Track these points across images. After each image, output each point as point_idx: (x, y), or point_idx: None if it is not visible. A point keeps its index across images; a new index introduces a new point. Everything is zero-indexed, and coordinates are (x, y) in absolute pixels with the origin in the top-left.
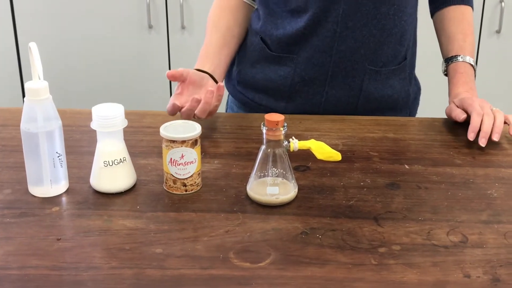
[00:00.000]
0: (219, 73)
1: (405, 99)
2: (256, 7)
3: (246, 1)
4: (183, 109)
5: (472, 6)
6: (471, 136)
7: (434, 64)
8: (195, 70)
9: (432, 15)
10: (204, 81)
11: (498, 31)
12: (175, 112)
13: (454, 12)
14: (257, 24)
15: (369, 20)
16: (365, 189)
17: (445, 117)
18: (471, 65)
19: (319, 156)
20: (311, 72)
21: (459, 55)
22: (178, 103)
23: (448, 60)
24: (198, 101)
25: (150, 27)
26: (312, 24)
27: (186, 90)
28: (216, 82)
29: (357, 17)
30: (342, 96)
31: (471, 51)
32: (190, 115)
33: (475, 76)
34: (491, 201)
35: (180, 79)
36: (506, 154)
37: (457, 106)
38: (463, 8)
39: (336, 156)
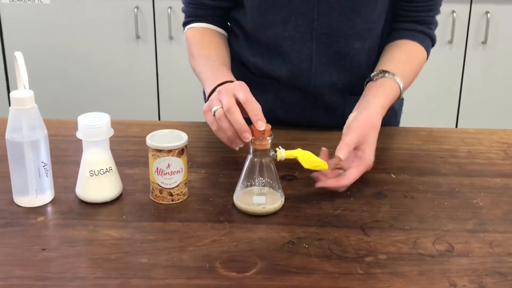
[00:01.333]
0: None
1: (392, 116)
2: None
3: (220, 31)
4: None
5: (427, 53)
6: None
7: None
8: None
9: (386, 43)
10: None
11: (484, 42)
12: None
13: (405, 45)
14: (235, 47)
15: (342, 56)
16: (351, 198)
17: (431, 126)
18: (398, 86)
19: (305, 165)
20: (292, 97)
21: (389, 72)
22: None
23: (376, 73)
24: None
25: (138, 37)
26: (287, 63)
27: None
28: None
29: (330, 54)
30: (324, 122)
31: (405, 77)
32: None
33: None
34: (477, 210)
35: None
36: (491, 164)
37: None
38: (417, 46)
39: (323, 165)
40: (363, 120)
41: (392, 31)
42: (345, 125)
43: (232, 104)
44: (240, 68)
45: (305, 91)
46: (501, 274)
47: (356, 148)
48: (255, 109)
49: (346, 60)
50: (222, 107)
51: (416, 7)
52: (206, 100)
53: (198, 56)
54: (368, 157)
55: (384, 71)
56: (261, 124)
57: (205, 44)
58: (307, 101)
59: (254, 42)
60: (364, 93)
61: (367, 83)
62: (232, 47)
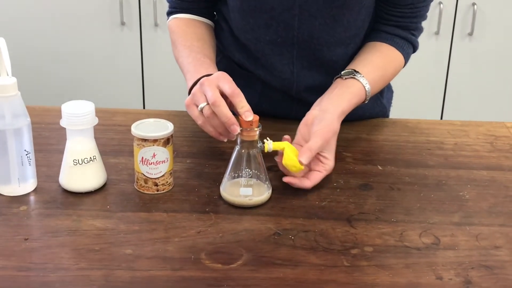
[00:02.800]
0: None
1: (382, 111)
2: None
3: (205, 21)
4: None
5: (405, 60)
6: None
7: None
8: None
9: (365, 42)
10: None
11: (471, 34)
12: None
13: (382, 47)
14: (220, 40)
15: (324, 61)
16: (338, 190)
17: (416, 117)
18: (364, 88)
19: (284, 161)
20: (278, 95)
21: (357, 73)
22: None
23: (345, 72)
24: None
25: (123, 24)
26: (268, 66)
27: None
28: None
29: (312, 60)
30: None
31: (374, 81)
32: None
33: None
34: (463, 202)
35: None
36: (478, 156)
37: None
38: (395, 51)
39: (298, 168)
40: (326, 126)
41: (373, 31)
42: (303, 121)
43: (217, 96)
44: (227, 60)
45: (289, 93)
46: (487, 268)
47: (318, 153)
48: (241, 100)
49: (328, 65)
50: (208, 103)
51: (400, 12)
52: (189, 93)
53: (181, 47)
54: (331, 163)
55: (356, 72)
56: (249, 114)
57: (188, 35)
58: (292, 100)
59: (239, 40)
60: (329, 89)
61: (336, 78)
62: (219, 39)
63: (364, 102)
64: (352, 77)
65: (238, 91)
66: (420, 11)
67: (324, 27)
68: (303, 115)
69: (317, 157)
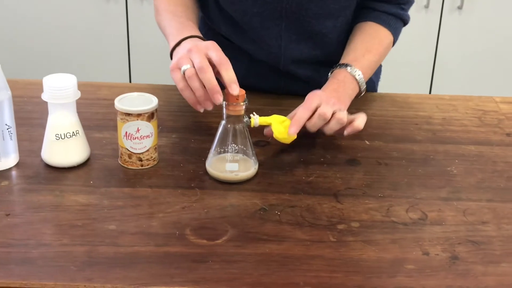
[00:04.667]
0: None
1: (369, 87)
2: None
3: None
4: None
5: (394, 36)
6: (291, 130)
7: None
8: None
9: (354, 23)
10: None
11: (460, 7)
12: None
13: (371, 29)
14: (205, 11)
15: (313, 34)
16: (325, 165)
17: (404, 91)
18: (356, 81)
19: (276, 134)
20: (265, 68)
21: (349, 65)
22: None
23: (337, 65)
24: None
25: None
26: (255, 39)
27: None
28: None
29: (300, 32)
30: (300, 91)
31: (365, 67)
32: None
33: (357, 95)
34: (450, 178)
35: None
36: (466, 131)
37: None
38: (383, 30)
39: (291, 138)
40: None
41: (361, 10)
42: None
43: (205, 63)
44: (213, 33)
45: (276, 66)
46: (474, 243)
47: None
48: (228, 70)
49: (317, 38)
50: (194, 67)
51: None
52: (170, 54)
53: (163, 12)
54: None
55: (346, 65)
56: (235, 87)
57: (171, 2)
58: (281, 74)
59: (226, 13)
60: (328, 84)
61: (331, 72)
62: (205, 12)
63: (359, 92)
64: (339, 68)
65: (226, 60)
66: None
67: None
68: (291, 89)
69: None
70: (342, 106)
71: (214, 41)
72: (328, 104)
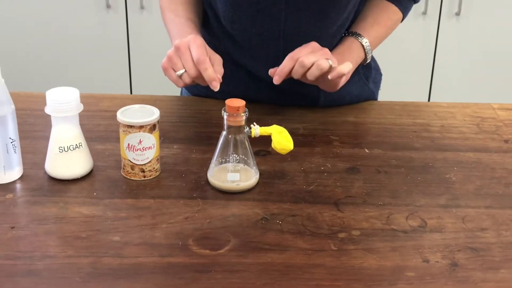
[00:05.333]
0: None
1: (370, 96)
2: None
3: None
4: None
5: (404, 13)
6: (275, 79)
7: (394, 47)
8: (200, 37)
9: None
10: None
11: (458, 13)
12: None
13: (381, 3)
14: (207, 26)
15: (313, 35)
16: (325, 174)
17: (403, 98)
18: (363, 48)
19: (274, 144)
20: (265, 83)
21: (356, 33)
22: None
23: (345, 33)
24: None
25: (108, 6)
26: (255, 57)
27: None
28: None
29: (300, 35)
30: (299, 104)
31: (373, 37)
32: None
33: (362, 62)
34: (449, 185)
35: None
36: (464, 138)
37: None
38: (392, 6)
39: (289, 147)
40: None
41: None
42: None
43: (193, 64)
44: (214, 46)
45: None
46: (473, 250)
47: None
48: (206, 69)
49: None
50: (186, 71)
51: None
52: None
53: (167, 12)
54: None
55: (354, 33)
56: (216, 85)
57: (173, 0)
58: (280, 90)
59: (226, 30)
60: (338, 47)
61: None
62: (205, 27)
63: (365, 60)
64: (347, 36)
65: (203, 57)
66: None
67: (311, 21)
68: (291, 103)
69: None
70: (333, 59)
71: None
72: (314, 54)
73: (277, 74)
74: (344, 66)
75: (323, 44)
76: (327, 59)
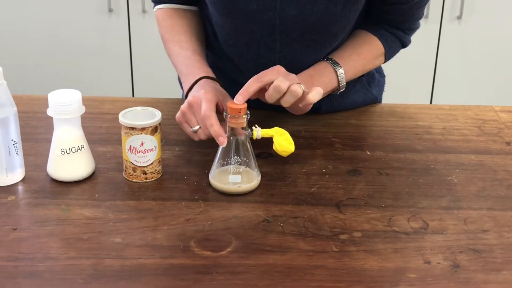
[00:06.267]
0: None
1: (373, 101)
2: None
3: (189, 9)
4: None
5: (387, 52)
6: (238, 98)
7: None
8: (213, 91)
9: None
10: (220, 93)
11: (459, 17)
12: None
13: (365, 35)
14: (208, 42)
15: (308, 63)
16: (327, 176)
17: (405, 102)
18: (336, 74)
19: (275, 146)
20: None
21: (333, 60)
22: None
23: (321, 59)
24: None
25: (110, 10)
26: (252, 68)
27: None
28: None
29: (295, 64)
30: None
31: (349, 67)
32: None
33: (334, 90)
34: (451, 187)
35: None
36: (466, 140)
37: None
38: (376, 41)
39: (290, 149)
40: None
41: (362, 23)
42: None
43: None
44: (215, 66)
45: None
46: (475, 251)
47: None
48: (213, 126)
49: (309, 65)
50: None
51: (391, 17)
52: (183, 94)
53: (170, 44)
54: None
55: (330, 59)
56: (222, 140)
57: (175, 30)
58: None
59: (222, 42)
60: (309, 70)
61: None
62: (209, 48)
63: (337, 88)
64: (322, 61)
65: (209, 113)
66: (410, 11)
67: (307, 50)
68: (292, 116)
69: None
70: (303, 84)
71: (214, 66)
72: (285, 78)
73: (240, 94)
74: (313, 94)
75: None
76: (298, 83)
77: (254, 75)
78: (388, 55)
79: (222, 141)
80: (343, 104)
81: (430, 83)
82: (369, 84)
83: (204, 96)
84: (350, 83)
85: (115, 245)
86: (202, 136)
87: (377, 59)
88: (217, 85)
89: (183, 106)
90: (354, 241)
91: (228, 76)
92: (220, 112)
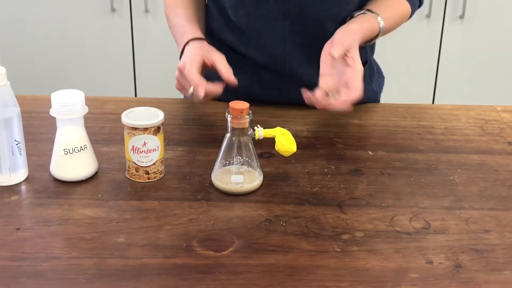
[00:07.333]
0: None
1: (372, 97)
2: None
3: None
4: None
5: (412, 9)
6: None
7: (398, 50)
8: (199, 51)
9: None
10: (209, 52)
11: (462, 16)
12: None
13: None
14: (211, 23)
15: (316, 39)
16: (329, 176)
17: (408, 101)
18: (377, 22)
19: (278, 146)
20: (269, 76)
21: (369, 10)
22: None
23: (367, 10)
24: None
25: (113, 10)
26: (261, 44)
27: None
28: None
29: (304, 36)
30: (303, 99)
31: (386, 18)
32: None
33: (372, 38)
34: (453, 187)
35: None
36: (468, 140)
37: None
38: (403, 2)
39: (292, 149)
40: (345, 33)
41: None
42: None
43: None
44: (218, 44)
45: (281, 72)
46: (477, 251)
47: (346, 55)
48: (192, 80)
49: (320, 42)
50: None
51: None
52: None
53: (169, 15)
54: (359, 65)
55: (367, 10)
56: (199, 91)
57: (174, 4)
58: (285, 80)
59: (230, 20)
60: (345, 24)
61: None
62: (209, 23)
63: (377, 36)
64: (363, 14)
65: (189, 74)
66: None
67: (315, 0)
68: (294, 97)
69: (343, 61)
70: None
71: (219, 51)
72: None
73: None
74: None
75: (328, 28)
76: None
77: (262, 37)
78: (412, 13)
79: (198, 90)
80: None
81: (432, 83)
82: (370, 79)
83: (188, 58)
84: None
85: (118, 245)
86: (197, 97)
87: (405, 17)
88: (203, 43)
89: (176, 74)
90: (356, 241)
91: (234, 55)
92: (208, 67)
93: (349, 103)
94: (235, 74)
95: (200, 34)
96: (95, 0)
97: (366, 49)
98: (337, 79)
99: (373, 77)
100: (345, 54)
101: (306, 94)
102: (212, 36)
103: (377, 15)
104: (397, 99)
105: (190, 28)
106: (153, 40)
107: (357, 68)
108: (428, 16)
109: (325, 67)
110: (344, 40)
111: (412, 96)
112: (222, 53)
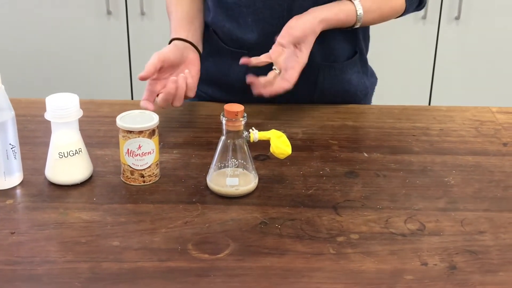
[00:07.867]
0: (197, 39)
1: (363, 91)
2: None
3: None
4: (160, 96)
5: (407, 4)
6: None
7: (394, 51)
8: (172, 48)
9: None
10: (184, 55)
11: (457, 18)
12: (152, 103)
13: None
14: (208, 16)
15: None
16: (324, 178)
17: (404, 103)
18: (356, 12)
19: (272, 149)
20: (265, 67)
21: (358, 1)
22: (153, 90)
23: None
24: (176, 82)
25: (109, 13)
26: (260, 20)
27: (162, 74)
28: (197, 49)
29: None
30: (297, 90)
31: (368, 7)
32: (168, 100)
33: (350, 24)
34: (448, 188)
35: (157, 71)
36: (463, 141)
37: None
38: None
39: (287, 151)
40: (306, 23)
41: None
42: (286, 24)
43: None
44: (214, 38)
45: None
46: (471, 253)
47: (295, 46)
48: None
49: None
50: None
51: None
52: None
53: (168, 12)
54: (305, 56)
55: None
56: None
57: (180, 3)
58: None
59: (225, 6)
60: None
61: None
62: (206, 16)
63: (353, 26)
64: None
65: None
66: None
67: None
68: (289, 90)
69: (292, 51)
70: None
71: (214, 47)
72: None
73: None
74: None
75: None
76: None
77: (263, 14)
78: (406, 10)
79: (140, 75)
80: (340, 79)
81: (428, 84)
82: (364, 73)
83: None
84: (347, 62)
85: (113, 248)
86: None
87: (396, 12)
88: (184, 43)
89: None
90: (351, 243)
91: (229, 48)
92: (176, 67)
93: (274, 92)
94: (230, 67)
95: (183, 34)
96: (91, 3)
97: (359, 37)
98: (285, 58)
99: (366, 72)
100: (295, 46)
101: (250, 78)
102: (207, 28)
103: (359, 7)
104: (393, 100)
105: (177, 25)
106: (149, 42)
107: (300, 61)
108: (424, 17)
109: (282, 38)
110: (298, 29)
111: (409, 98)
112: (215, 48)
